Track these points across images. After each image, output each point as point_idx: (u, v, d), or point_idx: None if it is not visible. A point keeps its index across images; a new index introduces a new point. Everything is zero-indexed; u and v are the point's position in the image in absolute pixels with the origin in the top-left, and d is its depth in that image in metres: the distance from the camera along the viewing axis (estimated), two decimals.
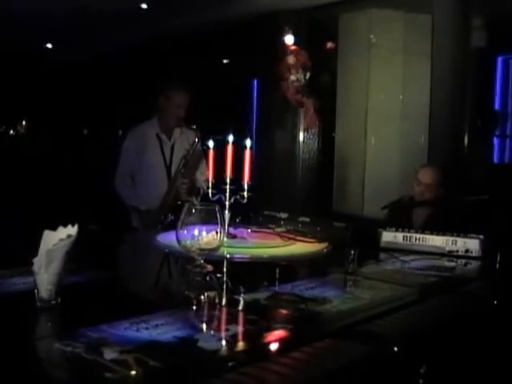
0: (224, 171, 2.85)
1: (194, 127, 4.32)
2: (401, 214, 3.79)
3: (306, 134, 6.01)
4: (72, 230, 1.76)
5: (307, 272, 2.50)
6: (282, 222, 3.09)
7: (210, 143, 2.97)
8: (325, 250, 2.71)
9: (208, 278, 2.08)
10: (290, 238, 2.83)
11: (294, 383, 1.34)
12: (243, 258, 2.52)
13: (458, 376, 1.84)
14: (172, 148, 4.38)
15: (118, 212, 4.54)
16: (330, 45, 5.87)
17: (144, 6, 6.43)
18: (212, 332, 1.58)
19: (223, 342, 1.50)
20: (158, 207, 4.20)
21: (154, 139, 4.37)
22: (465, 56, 5.18)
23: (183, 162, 4.20)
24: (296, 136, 6.07)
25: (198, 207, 2.14)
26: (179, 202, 3.90)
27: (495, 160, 6.98)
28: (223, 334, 1.58)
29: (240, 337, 1.58)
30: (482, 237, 2.74)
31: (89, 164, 8.40)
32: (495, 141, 7.01)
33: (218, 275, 2.15)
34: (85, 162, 8.74)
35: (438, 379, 1.75)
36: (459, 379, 1.85)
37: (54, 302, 1.72)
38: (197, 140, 4.13)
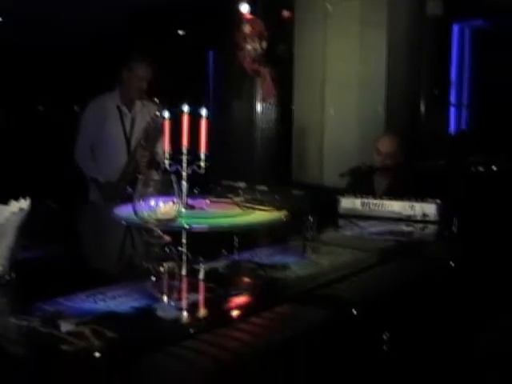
0: (181, 142, 2.83)
1: (157, 101, 4.29)
2: (362, 182, 3.84)
3: (263, 104, 5.98)
4: (24, 203, 1.72)
5: (266, 240, 2.50)
6: (240, 192, 3.08)
7: (166, 114, 2.94)
8: (284, 218, 2.71)
9: (167, 248, 2.06)
10: (248, 207, 2.82)
11: (254, 349, 1.34)
12: (202, 228, 2.50)
13: (420, 337, 1.86)
14: (132, 120, 4.35)
15: (77, 186, 4.50)
16: (286, 14, 5.81)
17: None
18: (170, 301, 1.57)
19: (182, 311, 1.49)
20: (117, 179, 4.17)
21: (114, 111, 4.34)
22: (420, 24, 5.18)
23: (144, 135, 4.18)
24: (254, 106, 6.03)
25: (155, 178, 2.12)
26: (139, 176, 3.87)
27: (452, 129, 7.05)
28: (182, 302, 1.57)
29: (199, 305, 1.57)
30: (438, 201, 2.77)
31: (47, 140, 8.25)
32: (452, 110, 7.07)
33: (178, 247, 2.14)
34: (42, 137, 8.58)
35: (401, 342, 1.77)
36: (421, 340, 1.88)
37: (7, 278, 1.68)
38: (158, 113, 4.08)
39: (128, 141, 4.31)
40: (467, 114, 7.26)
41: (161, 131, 4.16)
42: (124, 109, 4.34)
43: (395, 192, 3.18)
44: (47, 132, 8.78)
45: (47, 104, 10.08)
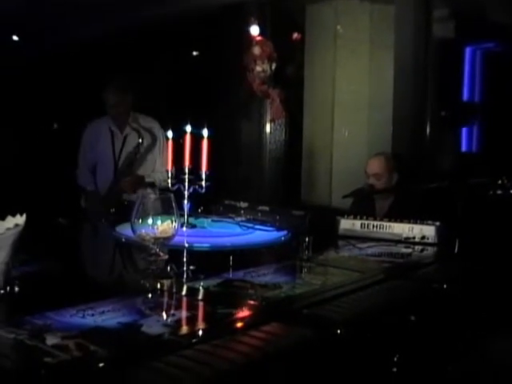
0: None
1: (155, 127, 4.55)
2: (364, 203, 3.86)
3: (272, 124, 6.02)
4: (20, 219, 1.76)
5: (263, 259, 2.52)
6: (241, 212, 3.11)
7: (169, 134, 2.99)
8: (283, 238, 2.73)
9: (168, 266, 2.08)
10: (249, 227, 2.85)
11: (235, 365, 1.35)
12: (202, 246, 2.53)
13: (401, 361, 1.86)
14: (124, 139, 4.55)
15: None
16: (296, 36, 5.86)
17: None
18: (157, 317, 1.59)
19: (166, 327, 1.51)
20: (103, 195, 4.45)
21: (106, 132, 4.58)
22: (427, 47, 5.21)
23: (126, 162, 4.44)
24: (263, 127, 6.08)
25: (153, 196, 2.15)
26: (126, 203, 4.13)
27: (463, 148, 7.03)
28: (168, 319, 1.59)
29: (183, 322, 1.59)
30: (438, 223, 2.77)
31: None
32: (463, 130, 7.05)
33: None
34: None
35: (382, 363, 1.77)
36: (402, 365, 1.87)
37: (2, 292, 1.72)
38: (141, 141, 4.36)
39: (116, 160, 4.52)
40: (478, 135, 7.24)
41: (156, 150, 4.46)
42: (115, 130, 4.57)
43: (397, 213, 3.19)
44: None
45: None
